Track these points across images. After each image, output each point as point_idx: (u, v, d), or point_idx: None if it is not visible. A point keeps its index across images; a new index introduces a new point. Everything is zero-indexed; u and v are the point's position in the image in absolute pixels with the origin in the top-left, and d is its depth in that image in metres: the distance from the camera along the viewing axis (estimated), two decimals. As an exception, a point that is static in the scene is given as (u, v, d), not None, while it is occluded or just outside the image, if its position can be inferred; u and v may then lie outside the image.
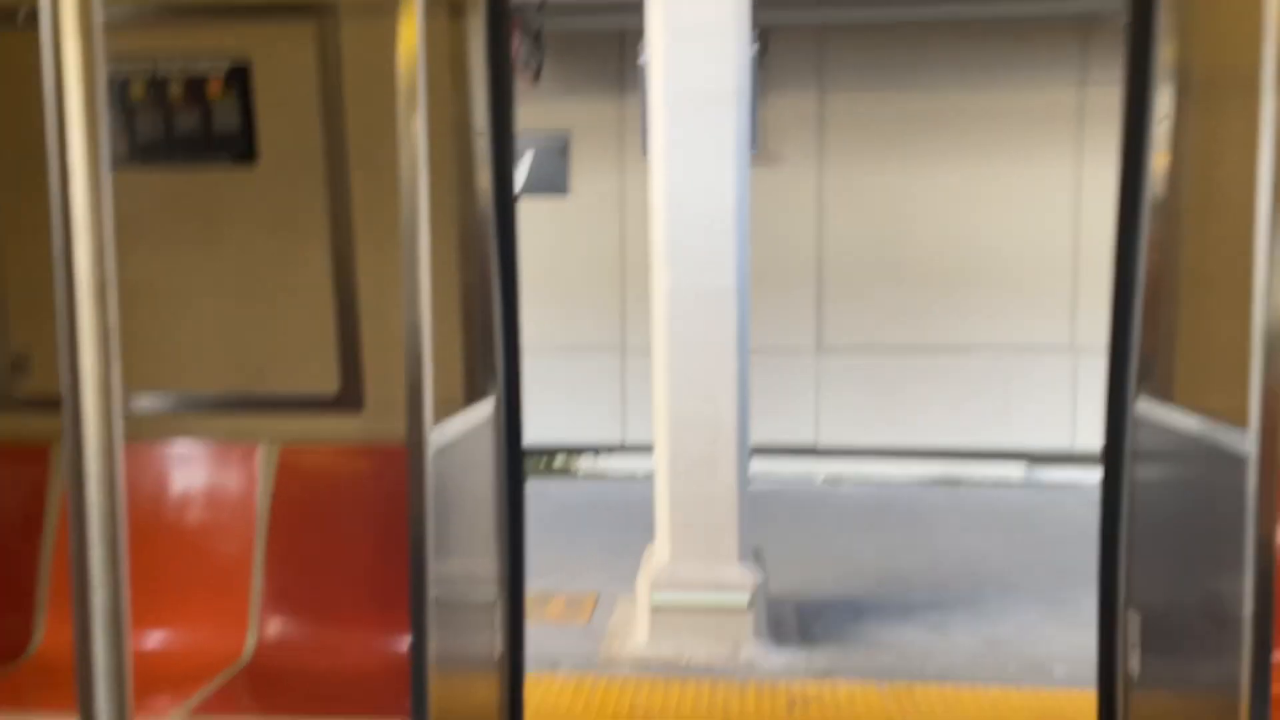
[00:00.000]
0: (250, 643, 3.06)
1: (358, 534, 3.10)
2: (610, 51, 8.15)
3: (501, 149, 3.03)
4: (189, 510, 3.18)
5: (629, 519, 7.13)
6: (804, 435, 8.35)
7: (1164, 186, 2.80)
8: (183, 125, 3.11)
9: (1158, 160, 2.78)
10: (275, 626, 3.07)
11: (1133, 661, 2.88)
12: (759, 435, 7.80)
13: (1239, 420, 2.24)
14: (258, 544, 3.11)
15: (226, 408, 3.20)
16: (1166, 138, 2.76)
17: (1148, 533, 2.85)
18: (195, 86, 3.08)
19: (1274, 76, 2.10)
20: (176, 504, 3.19)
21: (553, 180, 8.43)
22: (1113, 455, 2.96)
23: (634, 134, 7.59)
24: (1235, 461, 2.24)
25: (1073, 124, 7.91)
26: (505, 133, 3.02)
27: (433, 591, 2.48)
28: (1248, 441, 2.17)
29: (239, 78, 3.05)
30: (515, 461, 3.19)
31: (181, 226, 3.16)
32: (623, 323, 8.45)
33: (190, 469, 3.20)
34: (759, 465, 8.20)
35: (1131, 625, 2.89)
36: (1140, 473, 2.87)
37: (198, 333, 3.19)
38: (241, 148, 3.09)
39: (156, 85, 3.09)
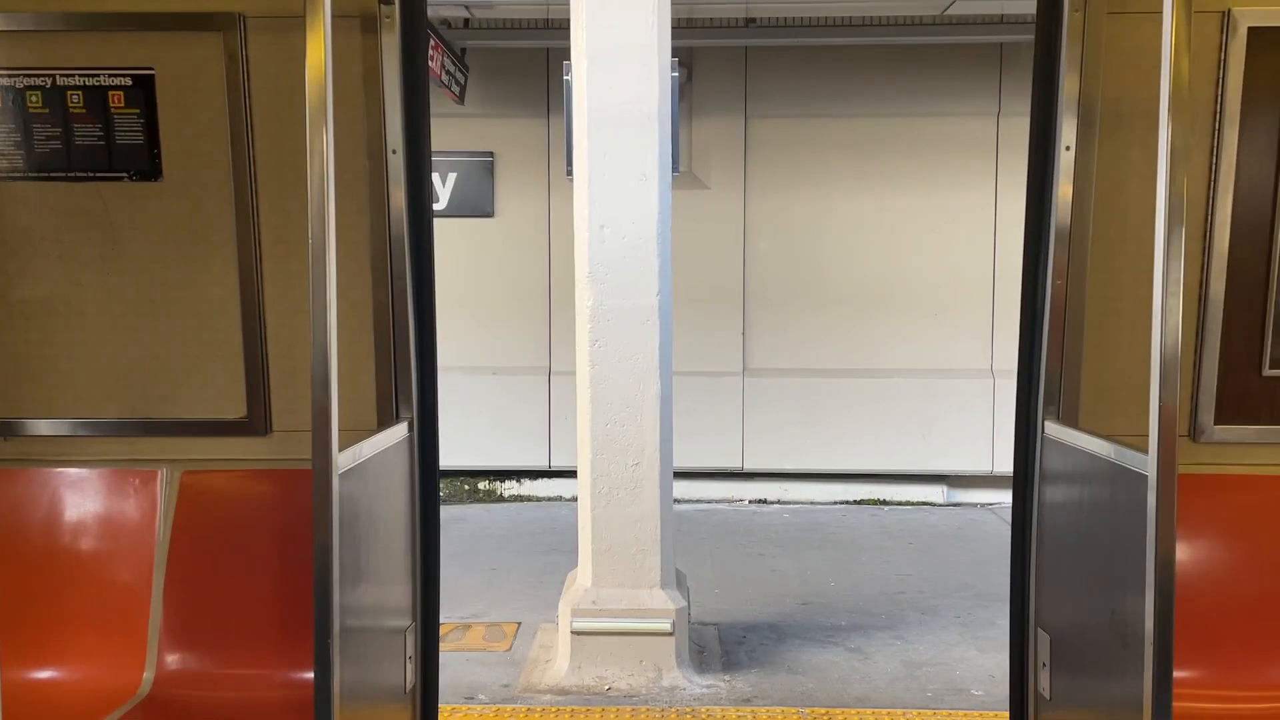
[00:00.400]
0: (148, 676, 2.93)
1: (263, 561, 2.99)
2: (536, 72, 8.13)
3: (416, 166, 2.97)
4: (83, 539, 3.04)
5: (554, 544, 7.06)
6: (730, 459, 8.36)
7: (1069, 215, 2.86)
8: (82, 137, 2.99)
9: (1063, 189, 2.84)
10: (174, 659, 2.94)
11: (1042, 681, 2.91)
12: (686, 459, 7.80)
13: (1141, 443, 2.29)
14: (157, 573, 2.98)
15: (126, 432, 3.07)
16: (1070, 168, 2.83)
17: (1055, 554, 2.89)
18: (96, 97, 2.96)
19: (1170, 108, 2.16)
20: (70, 533, 3.04)
21: (477, 202, 8.36)
22: (1022, 478, 3.00)
23: (560, 155, 7.57)
24: (1136, 481, 2.28)
25: (990, 153, 8.11)
26: (420, 150, 2.96)
27: (339, 620, 2.39)
28: (1148, 463, 2.21)
29: (142, 89, 2.95)
30: (429, 485, 3.11)
31: (80, 243, 3.03)
32: (548, 345, 8.39)
33: (85, 496, 3.06)
34: (686, 489, 8.21)
35: (1041, 645, 2.92)
36: (1048, 494, 2.92)
37: (96, 354, 3.06)
38: (144, 162, 2.98)
39: (55, 95, 2.97)
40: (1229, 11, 2.75)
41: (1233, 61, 2.76)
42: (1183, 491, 2.26)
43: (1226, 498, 2.89)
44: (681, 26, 7.49)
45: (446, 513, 7.86)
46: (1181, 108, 2.17)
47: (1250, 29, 2.75)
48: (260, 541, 3.01)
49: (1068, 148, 2.83)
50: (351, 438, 2.63)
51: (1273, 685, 2.76)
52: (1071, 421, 2.87)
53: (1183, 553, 2.79)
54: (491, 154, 8.31)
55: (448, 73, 7.31)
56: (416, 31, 2.93)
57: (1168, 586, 2.18)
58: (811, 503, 8.33)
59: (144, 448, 3.06)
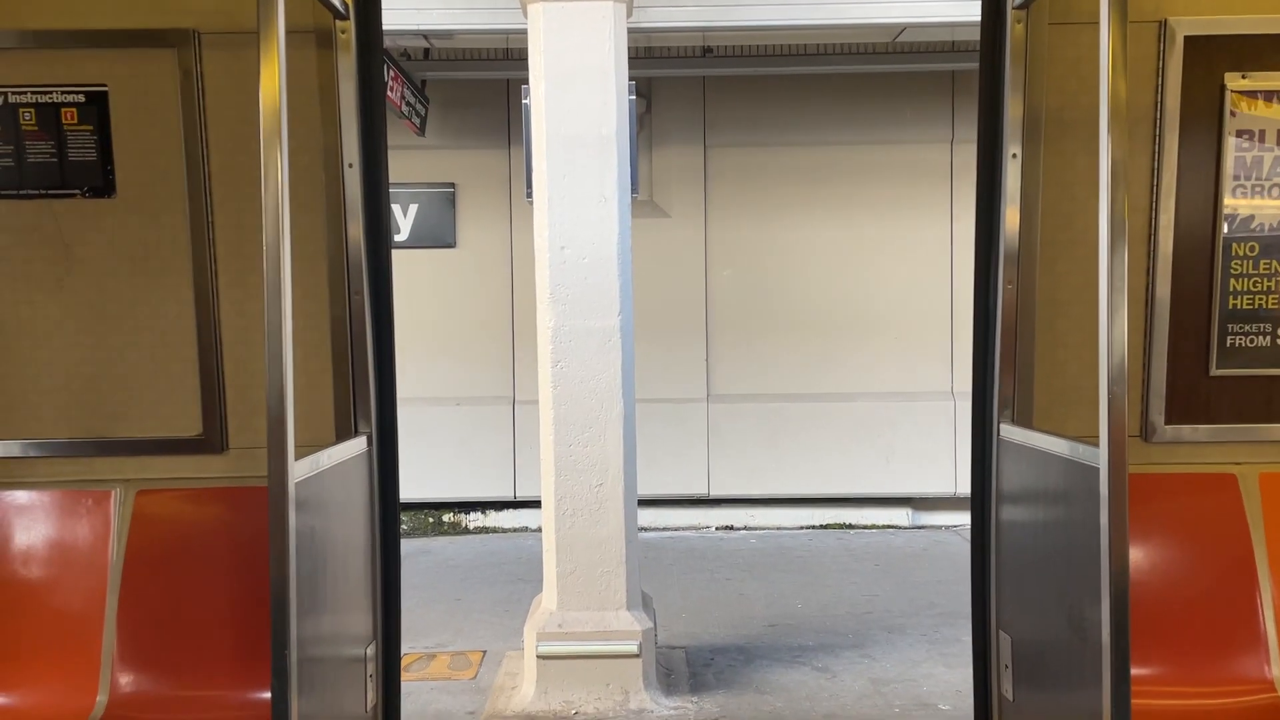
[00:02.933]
0: (101, 700, 2.86)
1: (219, 581, 2.95)
2: (497, 102, 8.18)
3: (374, 180, 2.98)
4: (34, 563, 2.97)
5: (520, 574, 6.99)
6: (696, 485, 8.36)
7: (1018, 220, 2.92)
8: (34, 155, 2.97)
9: (1011, 195, 2.91)
10: (128, 681, 2.87)
11: (1005, 683, 2.92)
12: (651, 487, 7.78)
13: (1094, 443, 2.33)
14: (110, 595, 2.93)
15: (78, 452, 3.02)
16: (1018, 174, 2.89)
17: (1013, 554, 2.92)
18: (48, 114, 2.95)
19: (1109, 123, 2.23)
20: (21, 556, 2.98)
21: (439, 233, 8.36)
22: (979, 480, 3.03)
23: (522, 185, 7.59)
24: (1089, 476, 2.32)
25: (944, 179, 8.25)
26: (377, 163, 2.97)
27: (296, 634, 2.36)
28: (1099, 455, 2.24)
29: (96, 106, 2.94)
30: (389, 501, 3.09)
31: (32, 261, 3.00)
32: (512, 374, 8.37)
33: (36, 519, 3.00)
34: (652, 517, 8.18)
35: (1003, 647, 2.94)
36: (1005, 495, 2.95)
37: (48, 373, 3.01)
38: (97, 178, 2.97)
39: (7, 113, 2.95)
40: (1165, 21, 2.84)
41: (1170, 69, 2.85)
42: (1136, 491, 2.30)
43: (1179, 496, 2.93)
44: (640, 57, 7.59)
45: (410, 545, 7.78)
46: (1120, 122, 2.24)
47: (1187, 38, 2.85)
48: (216, 561, 2.96)
49: (1014, 155, 2.90)
50: (309, 452, 2.61)
51: (1228, 681, 2.79)
52: (1026, 423, 2.91)
53: (1138, 551, 2.83)
54: (453, 185, 8.32)
55: (408, 104, 7.33)
56: (372, 45, 2.95)
57: (1122, 579, 2.21)
58: (778, 528, 8.33)
59: (97, 467, 3.01)
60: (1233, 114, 2.90)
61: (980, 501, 3.01)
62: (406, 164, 8.01)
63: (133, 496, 2.98)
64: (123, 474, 3.00)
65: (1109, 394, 2.23)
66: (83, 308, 2.99)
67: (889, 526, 8.34)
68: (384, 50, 3.00)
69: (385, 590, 3.10)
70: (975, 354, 3.03)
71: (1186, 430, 2.96)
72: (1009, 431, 2.90)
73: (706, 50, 7.93)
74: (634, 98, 5.26)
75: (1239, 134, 2.91)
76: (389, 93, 6.64)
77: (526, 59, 4.76)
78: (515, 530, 8.40)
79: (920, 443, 8.29)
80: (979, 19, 2.97)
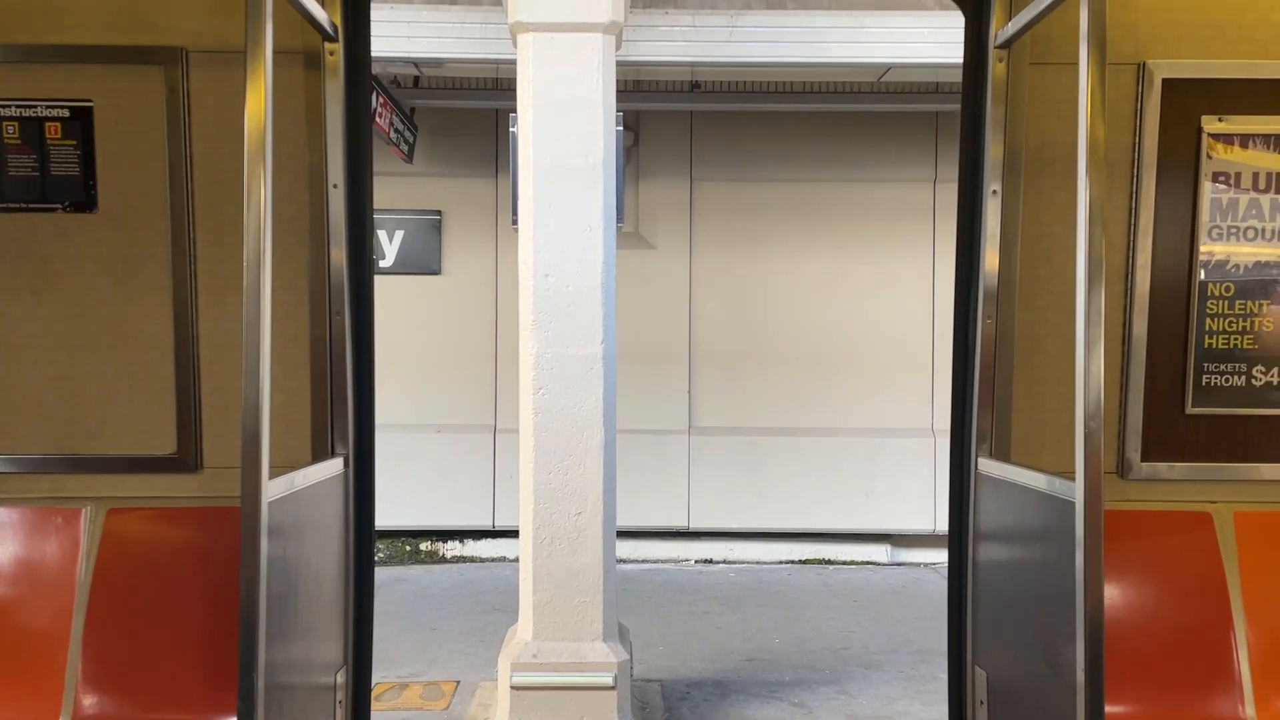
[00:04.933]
0: (62, 723, 2.80)
1: (188, 603, 2.90)
2: (485, 131, 8.22)
3: (357, 201, 2.98)
4: None
5: (496, 603, 6.92)
6: (676, 518, 8.32)
7: (997, 256, 2.94)
8: (16, 168, 2.96)
9: (990, 231, 2.93)
10: (92, 704, 2.82)
11: (980, 719, 2.91)
12: (631, 518, 7.75)
13: (1071, 477, 2.33)
14: (77, 615, 2.88)
15: (49, 469, 2.98)
16: (998, 211, 2.92)
17: (990, 589, 2.91)
18: (32, 128, 2.94)
19: (1088, 166, 2.27)
20: (-15, 573, 2.93)
21: (425, 259, 8.36)
22: (957, 513, 3.03)
23: (508, 214, 7.62)
24: (1066, 510, 2.32)
25: (927, 218, 8.33)
26: (362, 184, 2.97)
27: (263, 661, 2.32)
28: (1075, 489, 2.25)
29: (80, 121, 2.93)
30: (364, 524, 3.05)
31: (9, 274, 2.97)
32: (494, 402, 8.34)
33: (4, 534, 2.95)
34: (631, 549, 8.14)
35: (978, 683, 2.92)
36: (982, 529, 2.95)
37: (21, 388, 2.98)
38: (79, 193, 2.95)
39: (-10, 126, 2.94)
40: (1144, 64, 2.89)
41: (1149, 111, 2.89)
42: (1112, 527, 2.30)
43: (1155, 534, 2.94)
44: (628, 90, 7.65)
45: (386, 573, 7.70)
46: (1098, 162, 2.27)
47: (1165, 80, 2.89)
48: (186, 582, 2.92)
49: (994, 191, 2.93)
50: (285, 471, 2.59)
51: (1201, 719, 2.78)
52: (1004, 457, 2.92)
53: (1113, 588, 2.83)
54: (439, 212, 8.34)
55: (396, 131, 7.36)
56: (360, 68, 2.96)
57: (1097, 615, 2.20)
58: (757, 562, 8.29)
59: (68, 485, 2.97)
60: (1209, 156, 2.94)
61: (958, 535, 3.01)
62: (394, 190, 8.02)
63: (103, 515, 2.94)
64: (95, 492, 2.96)
65: (1085, 429, 2.25)
66: (59, 322, 2.96)
67: (868, 563, 8.33)
68: (373, 76, 3.03)
69: (358, 616, 3.06)
70: (954, 387, 3.04)
71: (1163, 468, 2.97)
72: (987, 465, 2.91)
73: (694, 85, 8.01)
74: (621, 129, 5.30)
75: (1215, 176, 2.95)
76: (377, 119, 6.66)
77: (515, 89, 4.79)
78: (493, 560, 8.33)
79: (900, 479, 8.30)
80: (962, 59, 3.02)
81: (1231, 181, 2.96)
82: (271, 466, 2.35)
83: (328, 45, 2.89)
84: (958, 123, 3.08)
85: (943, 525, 8.01)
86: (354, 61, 2.95)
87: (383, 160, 6.80)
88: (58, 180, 2.95)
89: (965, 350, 3.01)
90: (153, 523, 2.97)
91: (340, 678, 3.01)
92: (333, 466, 2.91)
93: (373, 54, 3.07)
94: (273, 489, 2.38)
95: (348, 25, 2.93)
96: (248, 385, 2.29)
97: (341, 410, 2.99)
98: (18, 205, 2.95)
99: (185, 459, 2.96)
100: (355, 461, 3.02)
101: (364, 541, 3.08)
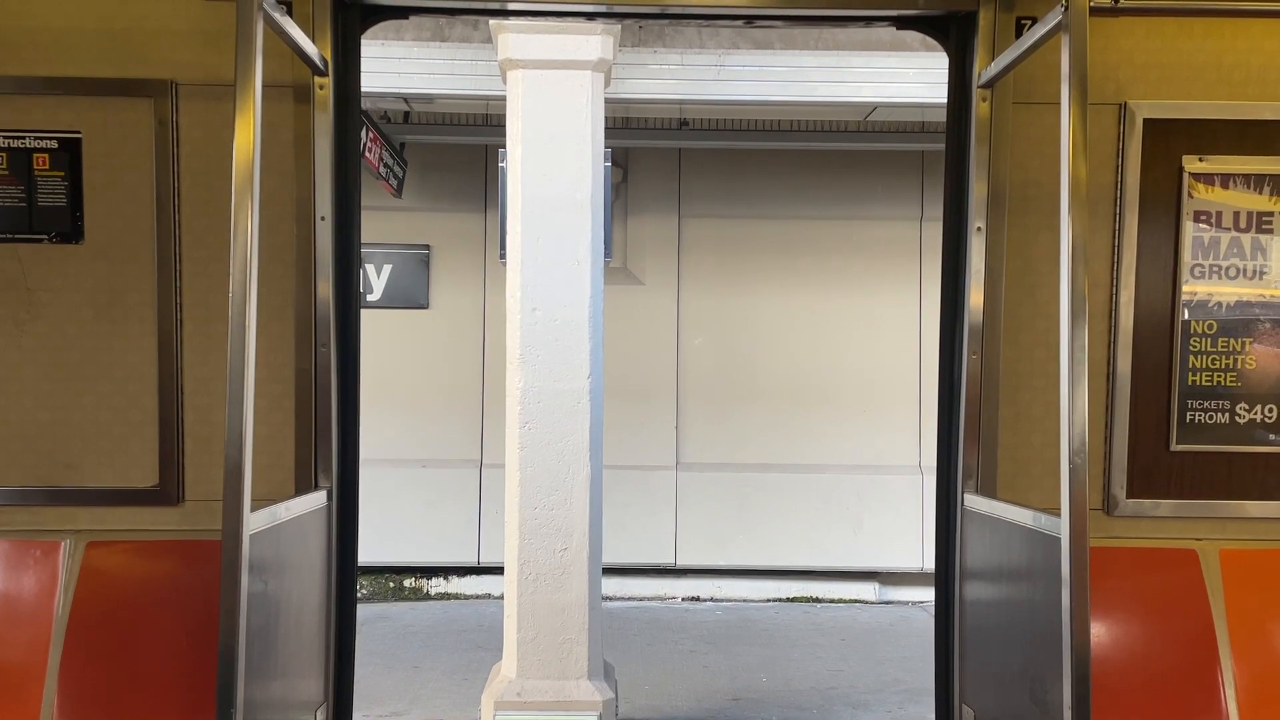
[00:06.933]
0: (36, 763, 2.75)
1: (167, 638, 2.86)
2: (474, 167, 8.26)
3: (345, 234, 2.98)
4: None
5: (481, 641, 6.85)
6: (663, 554, 8.27)
7: (982, 293, 2.96)
8: (3, 199, 2.95)
9: (975, 268, 2.96)
10: (66, 742, 2.77)
11: (969, 758, 2.88)
12: (618, 555, 7.69)
13: (1057, 513, 2.33)
14: (53, 650, 2.83)
15: (29, 500, 2.95)
16: (982, 248, 2.94)
17: (977, 626, 2.90)
18: (20, 159, 2.94)
19: (1070, 207, 2.30)
20: (-42, 608, 2.88)
21: (412, 293, 8.36)
22: (944, 550, 3.02)
23: (496, 250, 7.64)
24: (1052, 546, 2.32)
25: (914, 256, 8.38)
26: (350, 217, 2.98)
27: (242, 698, 2.29)
28: (1060, 525, 2.25)
29: (68, 153, 2.94)
30: (347, 558, 3.03)
31: None
32: (480, 437, 8.31)
33: None
34: (618, 586, 8.07)
35: (967, 721, 2.91)
36: (969, 565, 2.94)
37: (2, 419, 2.95)
38: (66, 224, 2.95)
39: (-23, 156, 2.94)
40: (1126, 104, 2.93)
41: (1130, 151, 2.93)
42: (1098, 564, 2.30)
43: (1141, 570, 2.94)
44: (617, 127, 7.71)
45: (369, 610, 7.62)
46: (1080, 201, 2.30)
47: (1146, 120, 2.93)
48: (165, 617, 2.88)
49: (979, 229, 2.95)
50: (268, 504, 2.56)
51: (1191, 758, 2.76)
52: (990, 493, 2.92)
53: (1100, 625, 2.82)
54: (428, 246, 8.35)
55: (386, 165, 7.39)
56: (349, 102, 2.98)
57: (1083, 650, 2.19)
58: (744, 600, 8.24)
59: (47, 517, 2.94)
60: (1190, 195, 2.98)
61: (944, 572, 3.00)
62: (383, 224, 8.03)
63: (83, 548, 2.91)
64: (74, 524, 2.93)
65: (1070, 465, 2.25)
66: (42, 353, 2.95)
67: (855, 601, 8.28)
68: (363, 111, 3.05)
69: (340, 648, 3.03)
70: (940, 422, 3.05)
71: (1148, 504, 2.98)
72: (973, 501, 2.91)
73: (683, 123, 8.08)
74: (610, 165, 5.34)
75: (1196, 215, 2.99)
76: (367, 154, 6.69)
77: (505, 124, 4.82)
78: (478, 597, 8.25)
79: (888, 516, 8.28)
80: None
81: (1213, 221, 2.99)
82: (254, 499, 2.34)
83: (318, 79, 2.91)
84: (944, 162, 3.12)
85: (931, 562, 7.99)
86: (344, 96, 2.97)
87: (373, 194, 6.82)
88: (44, 211, 2.94)
89: (951, 386, 3.02)
90: (133, 556, 2.93)
91: (320, 715, 2.97)
92: (316, 500, 2.89)
93: (363, 89, 3.09)
94: (254, 522, 2.36)
95: (338, 60, 2.95)
96: (231, 417, 2.28)
97: (325, 443, 2.97)
98: (4, 236, 2.94)
99: (167, 491, 2.94)
100: (339, 495, 3.00)
101: (346, 573, 3.05)
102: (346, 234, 2.99)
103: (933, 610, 3.09)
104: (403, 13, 3.15)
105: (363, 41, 3.06)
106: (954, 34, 3.02)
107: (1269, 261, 2.99)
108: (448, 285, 8.39)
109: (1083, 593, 2.18)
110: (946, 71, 3.07)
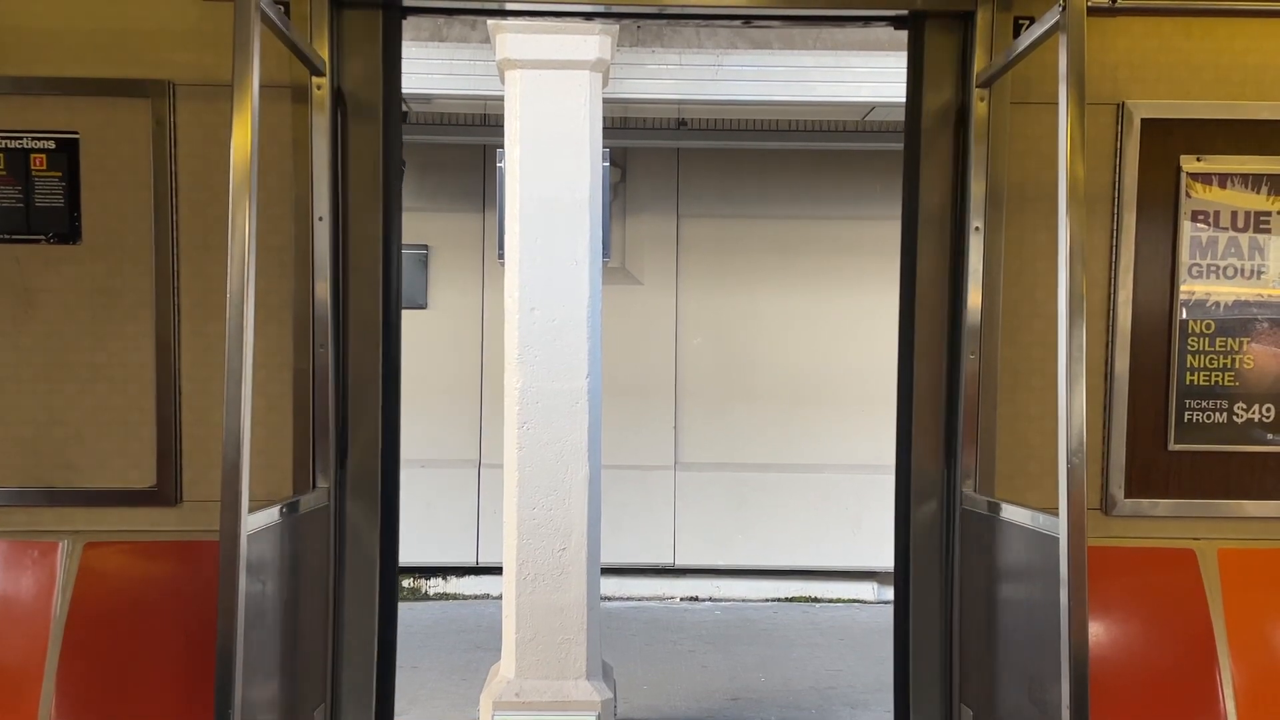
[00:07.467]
0: (35, 765, 2.75)
1: (165, 639, 2.86)
2: (473, 167, 8.26)
3: (345, 236, 2.98)
4: None
5: (480, 641, 6.85)
6: (662, 554, 8.28)
7: (980, 292, 2.96)
8: (1, 199, 2.95)
9: (974, 268, 2.96)
10: (64, 743, 2.76)
11: (968, 758, 2.88)
12: (617, 555, 7.68)
13: (1055, 513, 2.34)
14: (51, 651, 2.83)
15: (26, 501, 2.94)
16: (980, 247, 2.95)
17: (975, 626, 2.90)
18: (17, 160, 2.94)
19: (1068, 207, 2.30)
20: (-42, 609, 2.88)
21: (411, 293, 8.36)
22: (943, 550, 3.02)
23: (495, 249, 7.64)
24: (1050, 546, 2.32)
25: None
26: (348, 220, 2.98)
27: (240, 698, 2.28)
28: (1058, 524, 2.25)
29: (65, 153, 2.93)
30: (389, 565, 3.05)
31: None
32: (479, 436, 8.31)
33: None
34: (616, 586, 8.07)
35: (965, 721, 2.91)
36: (967, 565, 2.94)
37: (0, 420, 2.96)
38: (63, 224, 2.95)
39: (-26, 156, 2.94)
40: (1123, 104, 2.93)
41: (1128, 151, 2.93)
42: (1097, 564, 2.30)
43: (1139, 570, 2.94)
44: (616, 127, 7.71)
45: (369, 609, 7.61)
46: (1078, 202, 2.30)
47: (1144, 120, 2.93)
48: (164, 617, 2.88)
49: (977, 228, 2.95)
50: (266, 505, 2.56)
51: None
52: (988, 493, 2.92)
53: (1098, 625, 2.82)
54: (426, 247, 8.35)
55: (384, 165, 7.38)
56: (346, 101, 2.98)
57: (1081, 650, 2.19)
58: (743, 600, 8.24)
59: (45, 518, 2.93)
60: (1188, 195, 2.98)
61: (942, 572, 3.00)
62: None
63: (80, 549, 2.90)
64: (72, 525, 2.93)
65: (1068, 464, 2.25)
66: (39, 354, 2.94)
67: (854, 600, 8.28)
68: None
69: (336, 651, 3.03)
70: (898, 419, 3.07)
71: (1146, 504, 2.98)
72: (971, 501, 2.91)
73: (681, 123, 8.08)
74: (608, 165, 5.34)
75: (1194, 215, 2.99)
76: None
77: (503, 124, 4.82)
78: (477, 597, 8.25)
79: (887, 516, 8.13)
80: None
81: (1211, 220, 2.99)
82: (252, 500, 2.33)
83: (315, 80, 2.90)
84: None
85: (929, 562, 7.99)
86: (341, 95, 2.97)
87: (370, 195, 6.81)
88: (42, 212, 2.94)
89: (949, 385, 3.03)
90: (131, 557, 2.93)
91: (319, 715, 2.97)
92: (314, 500, 2.89)
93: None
94: (253, 522, 2.35)
95: (335, 59, 2.95)
96: (229, 417, 2.28)
97: (324, 443, 2.97)
98: (1, 236, 2.94)
99: (165, 492, 2.93)
100: (337, 495, 3.00)
101: (344, 577, 3.05)
102: (346, 234, 2.99)
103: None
104: (402, 13, 3.15)
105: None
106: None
107: (1267, 261, 2.99)
108: (446, 285, 8.39)
109: (1081, 592, 2.18)
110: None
